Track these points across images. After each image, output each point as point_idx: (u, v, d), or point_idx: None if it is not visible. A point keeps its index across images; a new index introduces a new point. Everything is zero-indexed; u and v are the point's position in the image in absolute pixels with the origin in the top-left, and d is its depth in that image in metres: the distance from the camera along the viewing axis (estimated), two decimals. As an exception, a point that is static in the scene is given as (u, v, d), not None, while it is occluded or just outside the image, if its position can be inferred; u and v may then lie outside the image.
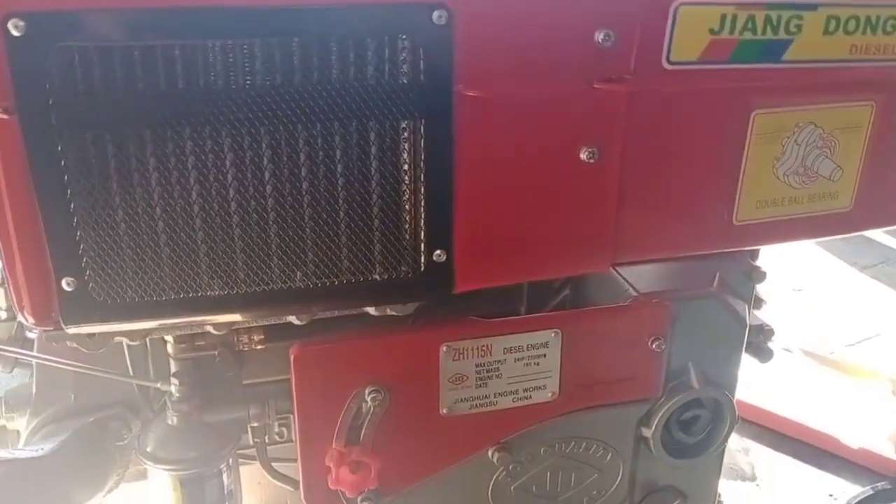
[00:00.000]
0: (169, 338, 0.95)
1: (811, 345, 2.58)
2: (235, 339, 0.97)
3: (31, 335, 1.10)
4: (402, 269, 0.80)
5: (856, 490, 1.87)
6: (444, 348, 0.92)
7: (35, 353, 0.99)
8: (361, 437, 0.92)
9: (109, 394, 1.03)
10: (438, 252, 0.80)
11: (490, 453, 0.99)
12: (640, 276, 1.05)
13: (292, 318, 0.85)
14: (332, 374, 0.90)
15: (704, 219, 0.89)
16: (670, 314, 0.98)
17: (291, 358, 0.88)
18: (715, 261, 1.10)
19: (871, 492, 1.83)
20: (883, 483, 1.87)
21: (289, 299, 0.78)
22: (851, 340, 2.73)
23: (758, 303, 1.24)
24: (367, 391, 0.90)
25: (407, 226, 0.78)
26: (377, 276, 0.80)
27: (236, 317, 0.79)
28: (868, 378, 2.40)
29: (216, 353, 0.96)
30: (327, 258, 0.77)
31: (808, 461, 2.00)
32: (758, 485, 1.91)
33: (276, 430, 1.08)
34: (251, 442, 1.03)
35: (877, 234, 3.77)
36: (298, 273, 0.77)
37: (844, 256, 3.48)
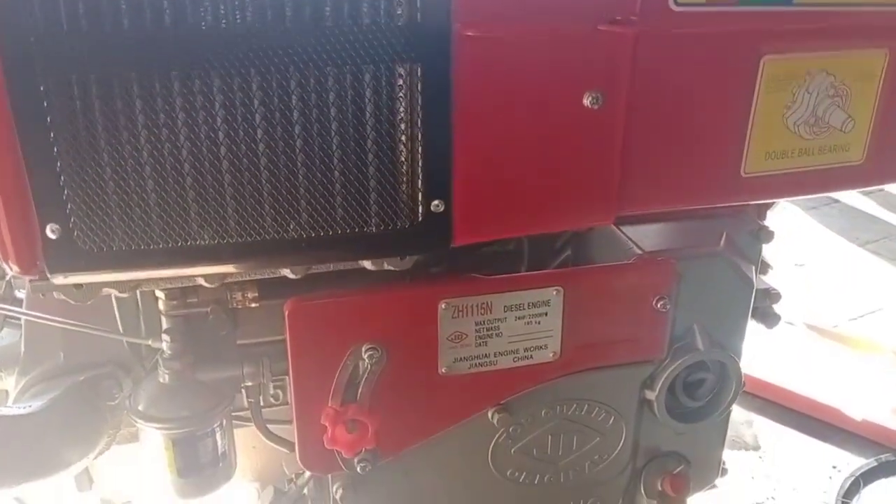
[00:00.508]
0: (160, 294, 0.92)
1: (814, 319, 2.56)
2: (229, 296, 0.94)
3: (20, 294, 1.07)
4: (399, 220, 0.77)
5: (859, 462, 1.85)
6: (443, 305, 0.89)
7: (24, 310, 0.96)
8: (358, 396, 0.90)
9: (100, 353, 1.00)
10: (436, 202, 0.77)
11: (490, 414, 0.97)
12: (644, 236, 1.02)
13: (286, 272, 0.83)
14: (327, 331, 0.87)
15: (712, 170, 0.86)
16: (675, 273, 0.96)
17: (286, 313, 0.86)
18: (721, 220, 1.08)
19: (875, 463, 1.82)
20: (887, 455, 1.85)
21: (282, 251, 0.76)
22: (854, 314, 2.71)
23: (764, 268, 1.22)
24: (363, 349, 0.88)
25: (403, 174, 0.75)
26: (373, 228, 0.77)
27: (227, 268, 0.77)
28: (871, 351, 2.38)
29: (209, 310, 0.93)
30: (321, 208, 0.74)
31: (812, 433, 1.98)
32: (760, 456, 1.89)
33: (272, 392, 1.06)
34: (245, 404, 1.01)
35: (878, 211, 3.74)
36: (291, 223, 0.74)
37: (846, 233, 3.45)
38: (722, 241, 1.01)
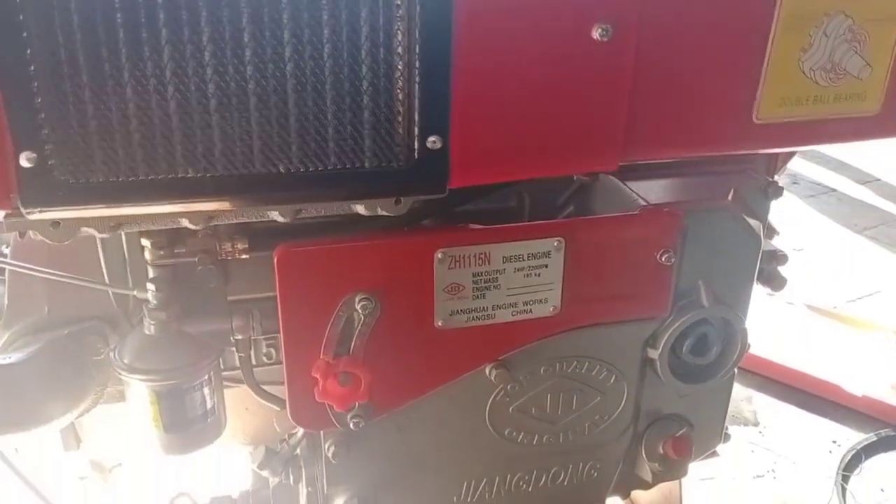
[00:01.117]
0: (146, 242, 0.89)
1: (814, 300, 2.54)
2: (217, 246, 0.91)
3: (5, 250, 1.03)
4: (394, 157, 0.73)
5: (859, 437, 1.83)
6: (440, 255, 0.86)
7: (6, 260, 0.93)
8: (351, 349, 0.87)
9: (86, 307, 0.97)
10: (433, 139, 0.73)
11: (488, 371, 0.93)
12: (650, 191, 0.99)
13: (275, 216, 0.79)
14: (319, 280, 0.84)
15: (723, 115, 0.83)
16: (681, 225, 0.92)
17: (275, 260, 0.82)
18: (729, 175, 1.04)
19: (875, 438, 1.80)
20: (886, 430, 1.83)
21: (270, 187, 0.72)
22: (852, 296, 2.70)
23: (770, 232, 1.19)
24: (356, 299, 0.85)
25: (399, 106, 0.71)
26: (367, 165, 0.73)
27: (213, 205, 0.73)
28: (870, 329, 2.36)
29: (196, 259, 0.90)
30: (312, 141, 0.70)
31: (812, 409, 1.96)
32: (760, 432, 1.87)
33: (265, 350, 1.03)
34: (237, 362, 0.98)
35: (875, 199, 3.74)
36: (281, 157, 0.70)
37: (844, 219, 3.46)
38: (730, 196, 0.98)
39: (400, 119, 0.71)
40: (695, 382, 1.04)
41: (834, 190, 3.77)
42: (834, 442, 1.83)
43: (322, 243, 0.84)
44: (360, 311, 0.85)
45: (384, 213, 0.82)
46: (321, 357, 0.86)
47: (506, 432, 0.99)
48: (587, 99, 0.76)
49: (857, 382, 1.97)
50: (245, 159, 0.70)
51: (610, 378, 1.00)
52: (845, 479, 1.68)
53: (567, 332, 0.94)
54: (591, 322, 0.95)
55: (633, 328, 0.98)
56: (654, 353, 0.99)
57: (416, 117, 0.71)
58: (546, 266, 0.90)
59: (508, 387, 0.95)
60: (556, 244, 0.89)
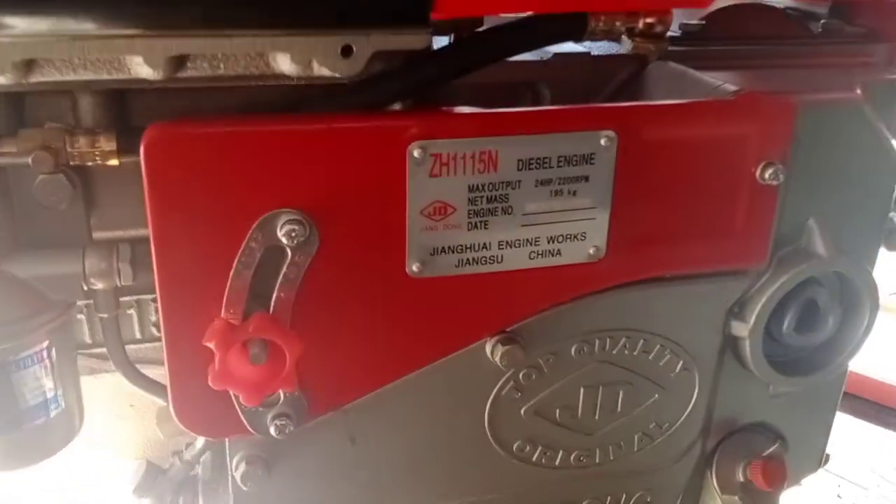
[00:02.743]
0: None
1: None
2: (67, 142, 0.57)
3: None
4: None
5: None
6: (416, 151, 0.52)
7: None
8: (272, 305, 0.53)
9: None
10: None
11: (489, 348, 0.60)
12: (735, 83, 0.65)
13: (140, 68, 0.46)
14: (215, 184, 0.51)
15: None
16: (795, 124, 0.59)
17: (142, 147, 0.49)
18: (847, 68, 0.72)
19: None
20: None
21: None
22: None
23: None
24: (279, 221, 0.51)
25: None
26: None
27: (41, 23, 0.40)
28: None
29: (30, 159, 0.56)
30: None
31: (882, 422, 1.63)
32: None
33: (154, 318, 0.69)
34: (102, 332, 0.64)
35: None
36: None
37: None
38: (857, 91, 0.65)
39: None
40: (799, 374, 0.70)
41: None
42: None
43: (222, 123, 0.51)
44: (284, 240, 0.52)
45: (326, 71, 0.49)
46: (221, 316, 0.53)
47: (514, 446, 0.65)
48: None
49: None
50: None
51: (674, 365, 0.66)
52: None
53: (614, 291, 0.61)
54: (651, 275, 0.62)
55: (713, 288, 0.64)
56: (741, 328, 0.66)
57: None
58: (586, 179, 0.56)
59: (521, 375, 0.62)
60: (604, 142, 0.55)
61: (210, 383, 0.52)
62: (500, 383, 0.62)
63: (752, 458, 0.73)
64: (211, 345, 0.51)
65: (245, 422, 0.57)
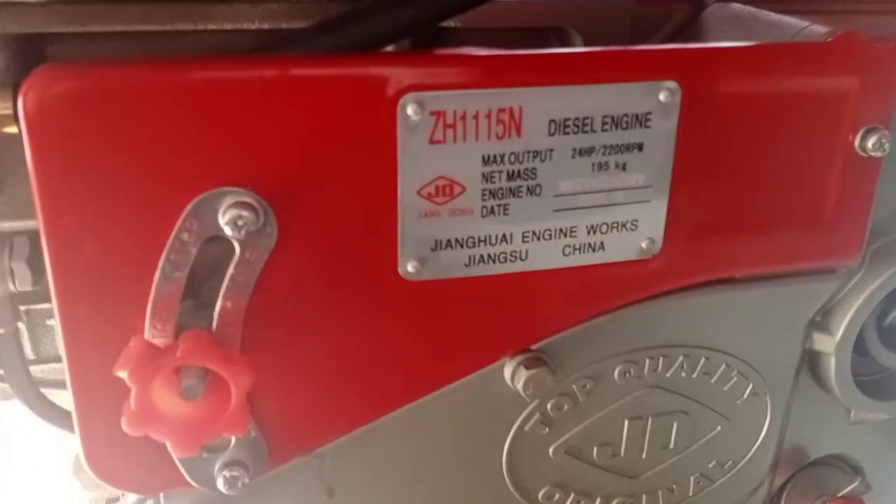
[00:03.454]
0: None
1: None
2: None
3: None
4: None
5: None
6: (411, 108, 0.38)
7: None
8: (214, 319, 0.39)
9: None
10: None
11: (508, 371, 0.45)
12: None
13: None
14: (128, 152, 0.36)
15: None
16: (911, 75, 0.45)
17: (21, 99, 0.34)
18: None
19: None
20: None
21: None
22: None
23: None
24: (221, 205, 0.37)
25: None
26: None
27: None
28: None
29: None
30: None
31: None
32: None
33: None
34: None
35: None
36: None
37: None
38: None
39: None
40: (889, 398, 0.56)
41: None
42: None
43: (139, 66, 0.36)
44: (228, 230, 0.37)
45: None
46: (147, 331, 0.38)
47: (540, 494, 0.51)
48: None
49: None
50: None
51: (742, 389, 0.52)
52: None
53: (670, 297, 0.47)
54: (718, 276, 0.47)
55: (794, 292, 0.50)
56: (825, 342, 0.52)
57: None
58: (639, 148, 0.42)
59: (549, 405, 0.48)
60: (664, 96, 0.41)
61: (124, 427, 0.38)
62: (522, 416, 0.48)
63: (828, 496, 0.59)
64: (124, 374, 0.37)
65: (183, 472, 0.42)
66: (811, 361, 0.54)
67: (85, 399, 0.40)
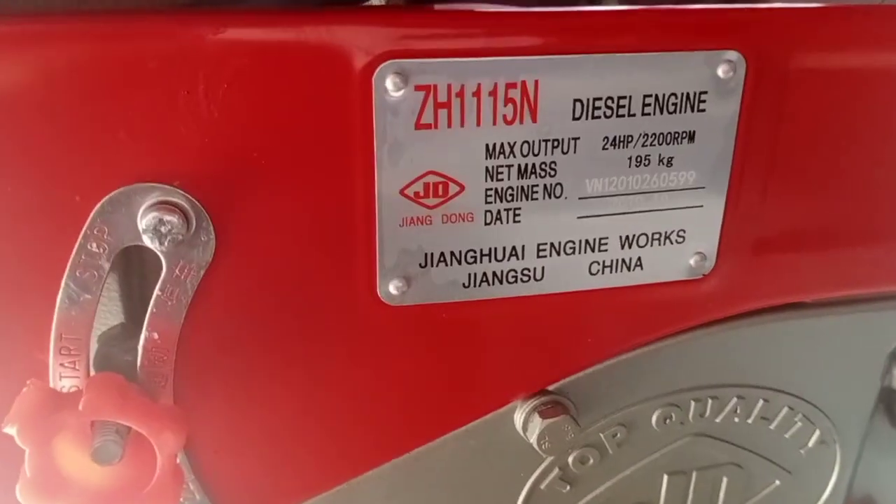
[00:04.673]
0: None
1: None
2: None
3: None
4: None
5: None
6: (390, 82, 0.29)
7: None
8: (139, 355, 0.30)
9: None
10: None
11: (519, 418, 0.36)
12: None
13: None
14: (13, 132, 0.27)
15: None
16: None
17: None
18: None
19: None
20: None
21: None
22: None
23: None
24: (140, 206, 0.28)
25: None
26: None
27: None
28: None
29: None
30: None
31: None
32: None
33: None
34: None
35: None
36: None
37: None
38: None
39: None
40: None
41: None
42: None
43: (29, 20, 0.27)
44: (149, 239, 0.28)
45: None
46: (35, 381, 0.29)
47: (559, 564, 0.41)
48: None
49: None
50: None
51: (807, 437, 0.42)
52: None
53: (723, 326, 0.37)
54: (784, 301, 0.38)
55: (873, 319, 0.40)
56: (911, 381, 0.42)
57: None
58: (691, 138, 0.32)
59: (571, 458, 0.38)
60: (723, 71, 0.31)
61: (19, 498, 0.29)
62: (537, 473, 0.38)
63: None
64: (12, 431, 0.28)
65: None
66: (888, 401, 0.44)
67: (-26, 457, 0.31)
